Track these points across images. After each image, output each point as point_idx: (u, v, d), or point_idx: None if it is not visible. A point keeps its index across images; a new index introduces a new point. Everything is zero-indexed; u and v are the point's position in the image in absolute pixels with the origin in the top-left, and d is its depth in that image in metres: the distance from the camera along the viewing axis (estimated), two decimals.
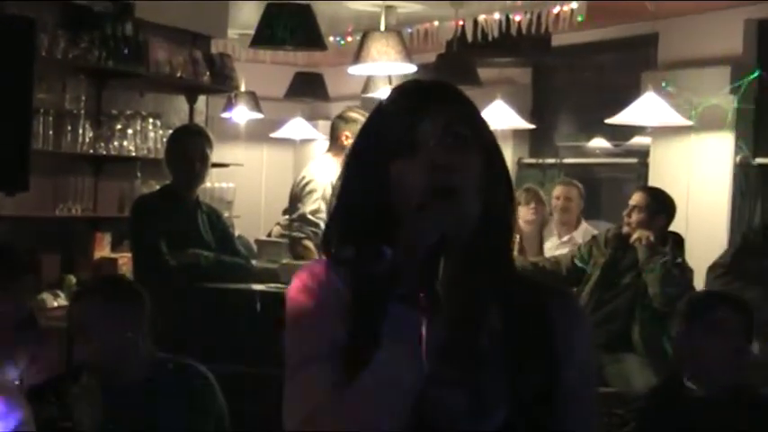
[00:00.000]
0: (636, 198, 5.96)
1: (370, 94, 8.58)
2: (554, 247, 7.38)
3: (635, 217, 5.86)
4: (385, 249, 1.65)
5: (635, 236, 5.83)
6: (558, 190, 7.62)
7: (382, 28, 6.55)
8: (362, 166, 1.72)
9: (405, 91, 1.78)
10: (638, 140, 8.61)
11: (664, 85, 7.36)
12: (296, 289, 1.75)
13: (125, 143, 6.95)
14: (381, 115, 1.75)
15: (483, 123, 1.76)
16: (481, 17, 8.28)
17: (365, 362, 1.57)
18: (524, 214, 7.40)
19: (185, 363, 3.42)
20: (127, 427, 3.21)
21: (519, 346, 1.68)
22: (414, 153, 1.65)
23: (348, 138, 6.30)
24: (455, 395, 1.63)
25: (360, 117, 6.32)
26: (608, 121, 7.31)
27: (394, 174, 1.66)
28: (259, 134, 10.88)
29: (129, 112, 7.03)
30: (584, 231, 7.40)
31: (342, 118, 6.62)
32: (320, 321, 1.68)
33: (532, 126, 8.69)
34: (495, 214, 1.70)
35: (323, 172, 6.45)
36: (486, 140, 1.73)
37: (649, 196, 5.96)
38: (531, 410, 1.66)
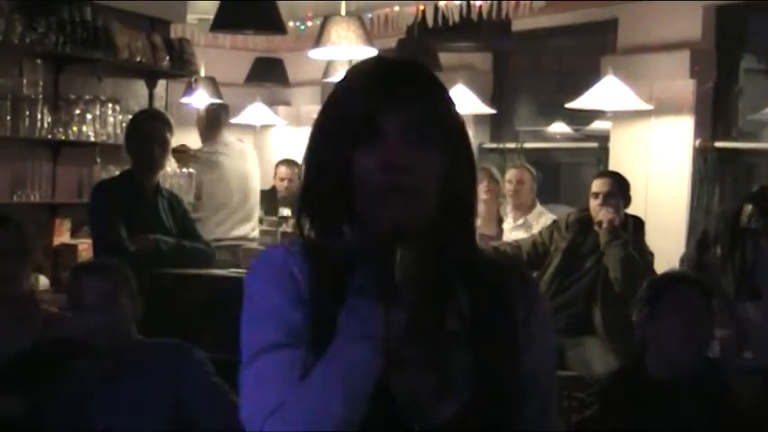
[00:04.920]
0: (600, 184, 5.93)
1: (330, 79, 8.56)
2: (509, 230, 7.38)
3: (605, 203, 5.83)
4: (344, 229, 1.65)
5: (599, 216, 5.82)
6: (510, 174, 7.59)
7: (343, 12, 6.52)
8: (323, 150, 1.67)
9: (369, 72, 1.71)
10: (598, 125, 8.65)
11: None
12: (253, 275, 1.73)
13: (84, 128, 6.90)
14: (344, 97, 1.69)
15: (449, 111, 1.70)
16: (442, 2, 8.28)
17: (324, 349, 1.55)
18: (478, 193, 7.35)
19: (175, 343, 3.42)
20: (117, 410, 3.21)
21: (484, 328, 1.67)
22: (373, 144, 1.62)
23: None
24: (420, 378, 1.62)
25: None
26: (568, 105, 7.34)
27: (353, 162, 1.62)
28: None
29: (87, 97, 6.98)
30: (538, 214, 7.39)
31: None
32: (278, 308, 1.65)
33: (493, 111, 8.71)
34: (457, 201, 1.67)
35: None
36: (451, 131, 1.68)
37: (614, 181, 5.96)
38: (495, 393, 1.66)
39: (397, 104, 1.63)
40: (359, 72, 1.72)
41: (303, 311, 1.63)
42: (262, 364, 1.62)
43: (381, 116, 1.62)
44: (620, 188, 5.91)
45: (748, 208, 5.25)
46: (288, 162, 8.94)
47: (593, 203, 5.90)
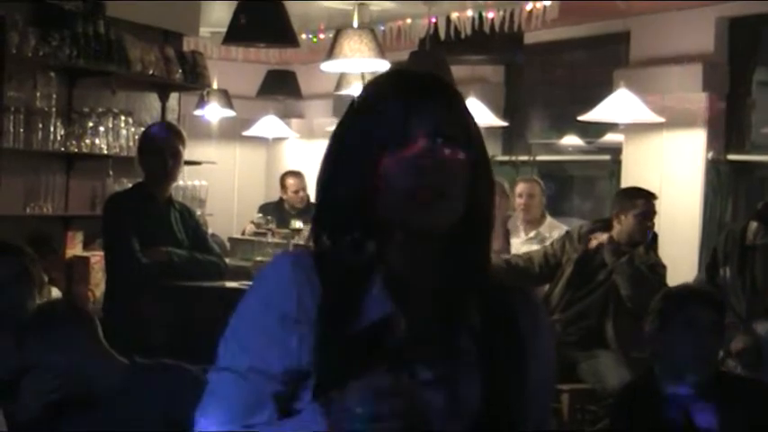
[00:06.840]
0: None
1: (343, 92, 8.57)
2: (520, 244, 7.37)
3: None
4: (368, 243, 1.63)
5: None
6: (520, 187, 7.59)
7: (355, 25, 6.54)
8: (350, 159, 1.67)
9: (396, 83, 1.72)
10: (610, 137, 8.64)
11: None
12: (259, 283, 1.73)
13: (97, 141, 6.91)
14: (370, 106, 1.69)
15: (471, 120, 1.72)
16: (454, 14, 8.29)
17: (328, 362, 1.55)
18: None
19: (167, 364, 3.29)
20: None
21: (492, 346, 1.67)
22: (403, 151, 1.62)
23: None
24: (431, 394, 1.61)
25: None
26: (580, 118, 7.33)
27: (382, 169, 1.62)
28: (231, 132, 10.85)
29: (100, 110, 6.99)
30: (550, 225, 7.41)
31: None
32: (269, 329, 1.64)
33: (505, 124, 8.71)
34: (477, 211, 1.68)
35: None
36: (473, 138, 1.69)
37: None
38: (502, 410, 1.65)
39: (423, 109, 1.65)
40: (380, 84, 1.74)
41: (301, 332, 1.61)
42: (228, 382, 1.64)
43: (409, 122, 1.63)
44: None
45: (753, 225, 5.24)
46: (294, 173, 8.97)
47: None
